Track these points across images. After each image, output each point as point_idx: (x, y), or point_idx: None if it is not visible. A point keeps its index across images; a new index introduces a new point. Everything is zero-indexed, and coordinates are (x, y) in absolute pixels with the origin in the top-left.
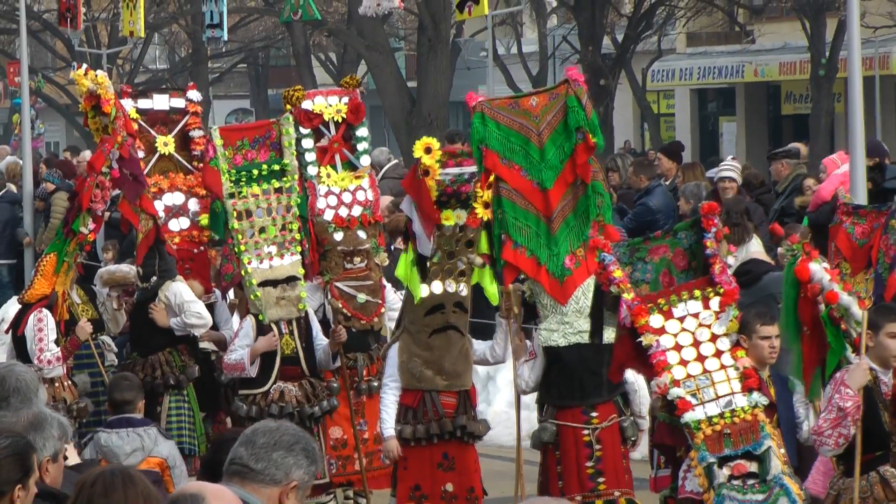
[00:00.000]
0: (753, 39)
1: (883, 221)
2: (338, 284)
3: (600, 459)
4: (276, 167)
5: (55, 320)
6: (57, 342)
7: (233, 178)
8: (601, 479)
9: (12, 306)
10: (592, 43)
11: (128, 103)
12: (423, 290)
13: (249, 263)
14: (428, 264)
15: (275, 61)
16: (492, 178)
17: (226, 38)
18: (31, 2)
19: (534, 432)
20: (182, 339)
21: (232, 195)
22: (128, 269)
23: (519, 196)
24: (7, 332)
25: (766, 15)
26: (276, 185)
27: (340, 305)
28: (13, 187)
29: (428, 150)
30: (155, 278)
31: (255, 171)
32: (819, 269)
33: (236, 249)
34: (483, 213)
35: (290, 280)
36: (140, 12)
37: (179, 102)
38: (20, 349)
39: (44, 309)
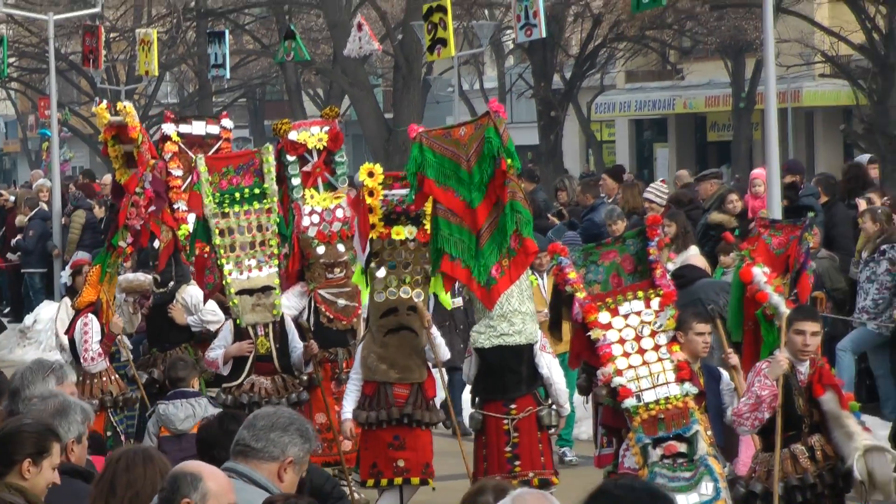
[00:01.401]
0: (683, 76)
1: (798, 234)
2: (321, 292)
3: (517, 445)
4: (258, 191)
5: (100, 323)
6: (103, 344)
7: (217, 200)
8: (517, 462)
9: (44, 308)
10: (544, 80)
11: (170, 127)
12: (378, 296)
13: (230, 275)
14: (381, 273)
15: (270, 96)
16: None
17: (228, 76)
18: (59, 45)
19: (469, 417)
20: (195, 335)
21: (216, 215)
22: (144, 278)
23: (453, 214)
24: (66, 333)
25: (694, 55)
26: (257, 206)
27: (324, 309)
28: (45, 206)
29: (370, 174)
30: (172, 283)
31: (238, 194)
32: (760, 273)
33: (219, 262)
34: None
35: (266, 289)
36: (154, 54)
37: (214, 129)
38: (73, 349)
39: (90, 314)
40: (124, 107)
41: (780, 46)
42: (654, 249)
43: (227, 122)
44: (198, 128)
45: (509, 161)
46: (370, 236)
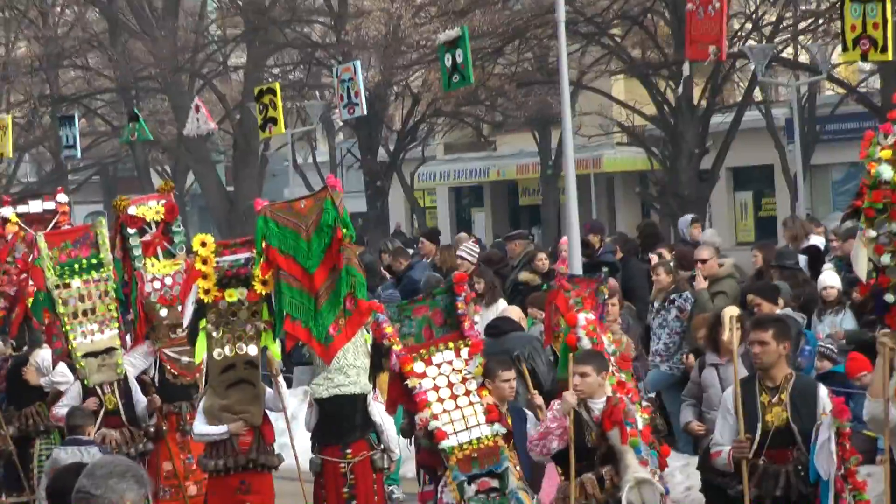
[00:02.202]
0: (495, 147)
1: (594, 286)
2: (165, 351)
3: (353, 486)
4: (95, 261)
5: None
6: None
7: (57, 273)
8: (353, 502)
9: None
10: (370, 153)
11: (8, 210)
12: (217, 354)
13: (75, 339)
14: (215, 332)
15: (122, 173)
16: (272, 269)
17: (80, 156)
18: None
19: (310, 462)
20: (48, 394)
21: (58, 286)
22: None
23: (294, 279)
24: None
25: (505, 128)
26: (95, 275)
27: (169, 366)
28: None
29: (203, 244)
30: (26, 347)
31: (77, 265)
32: (582, 318)
33: (63, 329)
34: (261, 289)
35: (109, 350)
36: (9, 138)
37: (50, 204)
38: None
39: None
40: None
41: (582, 118)
42: (462, 304)
43: (62, 197)
44: (35, 206)
45: (345, 230)
46: (205, 300)
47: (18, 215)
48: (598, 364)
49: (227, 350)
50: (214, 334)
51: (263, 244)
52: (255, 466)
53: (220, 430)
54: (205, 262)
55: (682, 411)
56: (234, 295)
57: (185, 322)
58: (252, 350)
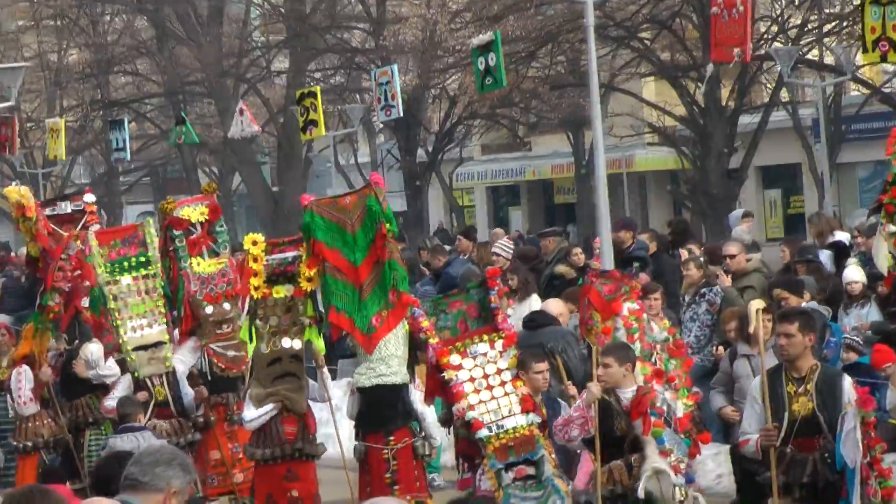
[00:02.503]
0: (531, 148)
1: (626, 281)
2: (212, 346)
3: (396, 472)
4: (143, 259)
5: (32, 372)
6: (34, 391)
7: (108, 270)
8: (396, 487)
9: None
10: (410, 154)
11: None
12: (263, 348)
13: (125, 334)
14: (263, 327)
15: (171, 174)
16: (318, 263)
17: (129, 158)
18: None
19: (353, 448)
20: (99, 386)
21: (108, 282)
22: None
23: (339, 272)
24: None
25: (540, 129)
26: (143, 272)
27: (216, 360)
28: None
29: (254, 243)
30: (77, 342)
31: (126, 263)
32: (625, 308)
33: (114, 324)
34: (307, 286)
35: (158, 344)
36: (62, 141)
37: (79, 205)
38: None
39: (24, 365)
40: (20, 191)
41: (614, 119)
42: (495, 297)
43: (89, 197)
44: (64, 207)
45: (388, 225)
46: (254, 296)
47: (49, 217)
48: (620, 355)
49: (273, 344)
50: (262, 329)
51: (311, 238)
52: (300, 455)
53: (266, 408)
54: (255, 259)
55: (713, 398)
56: (281, 291)
57: (244, 315)
58: (297, 344)
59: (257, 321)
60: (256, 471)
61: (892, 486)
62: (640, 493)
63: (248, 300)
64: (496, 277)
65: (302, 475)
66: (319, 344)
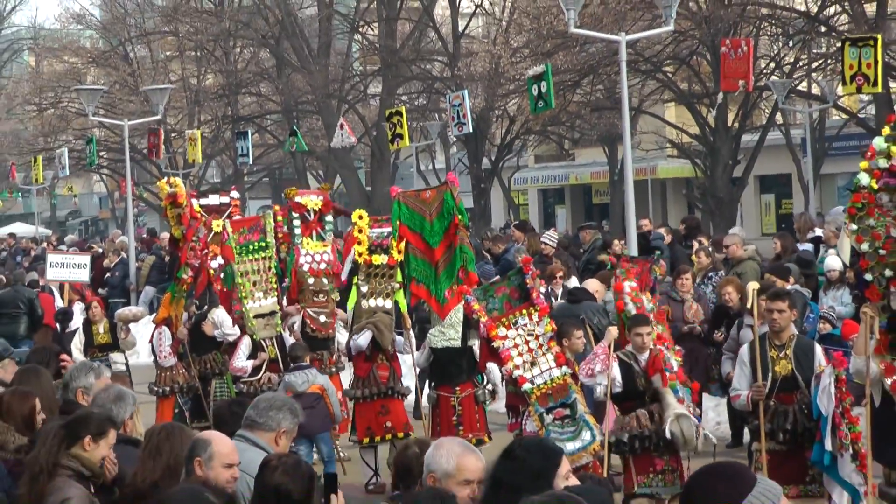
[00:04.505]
0: (574, 158)
1: (648, 266)
2: (309, 310)
3: (461, 416)
4: (263, 244)
5: (170, 332)
6: (171, 346)
7: (237, 252)
8: (461, 427)
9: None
10: (476, 162)
11: (195, 202)
12: (364, 303)
13: (247, 303)
14: (365, 288)
15: (286, 176)
16: (403, 242)
17: (251, 163)
18: (135, 142)
19: (427, 396)
20: (223, 343)
21: (238, 262)
22: (137, 311)
23: (419, 251)
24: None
25: (582, 143)
26: (262, 255)
27: (309, 322)
28: (125, 255)
29: (360, 217)
30: (206, 307)
31: (251, 246)
32: (627, 286)
33: (241, 295)
34: (398, 257)
35: (272, 313)
36: (198, 148)
37: (226, 199)
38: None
39: (164, 327)
40: (175, 181)
41: (641, 136)
42: (530, 280)
43: (235, 194)
44: (214, 199)
45: (460, 217)
46: (357, 261)
47: (201, 206)
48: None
49: (370, 302)
50: (363, 288)
51: (398, 223)
52: (393, 394)
53: (366, 334)
54: (360, 230)
55: (724, 363)
56: (378, 259)
57: (343, 276)
58: (388, 304)
59: (359, 281)
60: (356, 408)
61: (859, 431)
62: (668, 434)
63: (348, 261)
64: (529, 264)
65: (393, 410)
66: (403, 305)
